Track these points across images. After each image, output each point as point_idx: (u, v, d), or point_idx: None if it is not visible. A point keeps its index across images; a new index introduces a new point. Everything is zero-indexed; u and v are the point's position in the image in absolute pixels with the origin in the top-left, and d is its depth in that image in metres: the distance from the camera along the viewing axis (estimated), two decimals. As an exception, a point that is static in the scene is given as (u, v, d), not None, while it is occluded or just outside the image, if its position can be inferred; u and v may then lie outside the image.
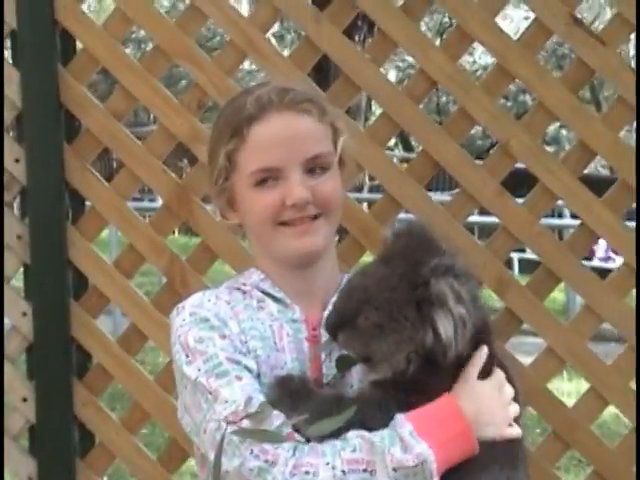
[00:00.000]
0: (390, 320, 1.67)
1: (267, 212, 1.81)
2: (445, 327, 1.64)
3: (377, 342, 1.69)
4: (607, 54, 2.35)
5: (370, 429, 1.66)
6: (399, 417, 1.65)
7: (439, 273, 1.65)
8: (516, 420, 1.77)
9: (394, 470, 1.61)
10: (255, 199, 1.83)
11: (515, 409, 1.77)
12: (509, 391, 1.77)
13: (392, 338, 1.68)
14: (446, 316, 1.64)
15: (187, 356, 1.78)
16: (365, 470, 1.61)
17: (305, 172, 1.80)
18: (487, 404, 1.70)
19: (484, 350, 1.73)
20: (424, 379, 1.68)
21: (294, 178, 1.79)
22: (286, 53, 2.57)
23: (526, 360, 2.46)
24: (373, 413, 1.68)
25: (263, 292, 1.89)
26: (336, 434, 1.65)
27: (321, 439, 1.66)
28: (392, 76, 21.85)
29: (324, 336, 1.83)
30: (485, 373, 1.74)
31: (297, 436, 1.67)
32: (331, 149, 1.85)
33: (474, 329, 1.67)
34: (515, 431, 1.74)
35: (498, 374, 1.76)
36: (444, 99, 22.16)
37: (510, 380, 1.80)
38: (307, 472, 1.61)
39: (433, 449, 1.61)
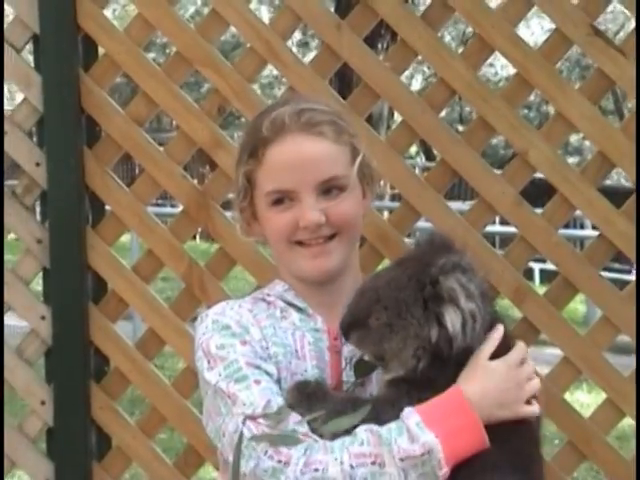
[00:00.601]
0: (399, 319, 1.71)
1: (282, 233, 1.86)
2: (453, 321, 1.67)
3: (387, 341, 1.72)
4: (627, 65, 2.34)
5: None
6: (407, 410, 1.68)
7: (447, 270, 1.68)
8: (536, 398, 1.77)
9: (401, 460, 1.63)
10: (271, 218, 1.88)
11: (534, 385, 1.77)
12: (528, 367, 1.77)
13: (400, 336, 1.72)
14: (455, 311, 1.67)
15: (208, 362, 1.81)
16: (374, 463, 1.64)
17: (320, 194, 1.83)
18: (497, 384, 1.71)
19: (499, 330, 1.75)
20: (435, 376, 1.72)
21: (307, 201, 1.82)
22: (310, 59, 2.57)
23: (544, 370, 2.45)
24: (386, 411, 1.71)
25: (286, 302, 1.93)
26: (351, 432, 1.67)
27: (336, 437, 1.68)
28: (417, 83, 21.82)
29: (345, 346, 1.87)
30: (502, 353, 1.75)
31: (312, 435, 1.70)
32: (348, 170, 1.87)
33: (485, 323, 1.70)
34: (532, 409, 1.74)
35: (517, 350, 1.77)
36: (467, 109, 22.13)
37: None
38: (316, 469, 1.64)
39: (440, 438, 1.63)
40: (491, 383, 1.71)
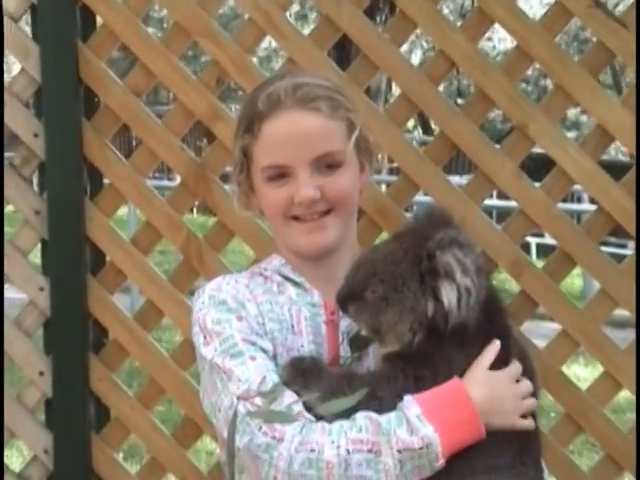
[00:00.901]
0: (395, 292, 1.72)
1: (277, 208, 1.87)
2: (449, 296, 1.67)
3: (383, 314, 1.73)
4: (628, 37, 2.33)
5: (379, 403, 1.69)
6: (407, 399, 1.68)
7: (444, 245, 1.69)
8: (532, 415, 1.79)
9: (399, 452, 1.63)
10: (267, 194, 1.88)
11: (531, 403, 1.78)
12: (526, 384, 1.79)
13: (396, 309, 1.72)
14: (451, 286, 1.67)
15: (205, 337, 1.81)
16: (370, 450, 1.64)
17: (316, 169, 1.83)
18: (497, 393, 1.72)
19: (496, 344, 1.75)
20: (430, 351, 1.72)
21: (302, 177, 1.82)
22: (309, 31, 2.56)
23: (541, 344, 2.46)
24: (382, 387, 1.72)
25: (283, 277, 1.93)
26: (347, 413, 1.68)
27: (332, 418, 1.68)
28: (416, 58, 21.77)
29: (342, 320, 1.87)
30: (502, 362, 1.76)
31: (307, 415, 1.70)
32: (344, 145, 1.86)
33: (480, 299, 1.70)
34: (527, 423, 1.76)
35: (515, 366, 1.79)
36: (465, 82, 22.08)
37: (530, 371, 1.83)
38: (312, 450, 1.65)
39: (439, 432, 1.64)
40: (493, 390, 1.72)
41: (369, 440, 1.65)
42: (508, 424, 1.73)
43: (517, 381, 1.78)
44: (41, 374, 2.72)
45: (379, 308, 1.74)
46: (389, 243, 1.84)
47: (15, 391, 2.79)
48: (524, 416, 1.76)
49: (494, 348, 1.75)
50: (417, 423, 1.64)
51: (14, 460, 4.63)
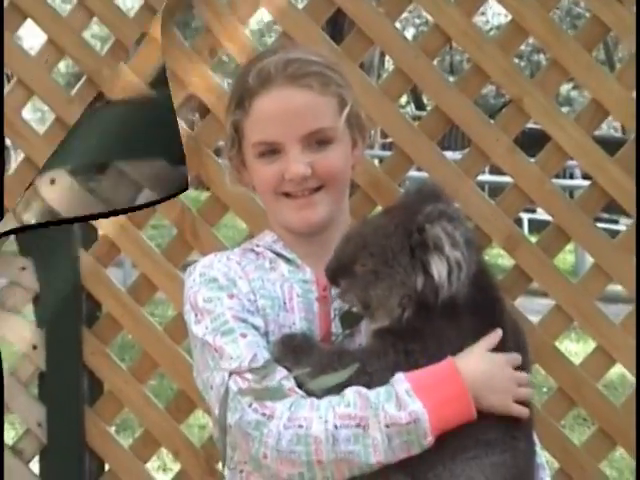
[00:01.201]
0: (385, 266, 1.72)
1: (268, 184, 1.87)
2: (439, 270, 1.67)
3: (373, 288, 1.72)
4: (622, 11, 2.32)
5: (370, 378, 1.70)
6: (398, 375, 1.68)
7: (433, 218, 1.68)
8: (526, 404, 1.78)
9: (387, 427, 1.64)
10: (258, 170, 1.88)
11: (527, 391, 1.78)
12: (523, 374, 1.78)
13: (386, 283, 1.72)
14: (440, 259, 1.67)
15: (196, 315, 1.82)
16: (358, 425, 1.64)
17: (306, 146, 1.83)
18: (489, 369, 1.72)
19: (498, 332, 1.75)
20: (421, 326, 1.72)
21: (292, 153, 1.82)
22: (300, 6, 2.55)
23: (534, 320, 2.46)
24: (372, 363, 1.72)
25: (275, 253, 1.93)
26: (338, 388, 1.68)
27: (323, 393, 1.68)
28: (409, 35, 21.76)
29: (335, 297, 1.86)
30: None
31: (298, 390, 1.70)
32: (335, 121, 1.85)
33: (470, 272, 1.69)
34: (522, 409, 1.75)
35: (515, 356, 1.78)
36: (457, 57, 22.04)
37: (522, 344, 1.84)
38: (300, 425, 1.65)
39: (427, 408, 1.64)
40: (485, 367, 1.71)
41: (357, 415, 1.65)
42: (501, 406, 1.72)
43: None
44: (34, 347, 2.72)
45: (368, 282, 1.74)
46: (379, 217, 1.84)
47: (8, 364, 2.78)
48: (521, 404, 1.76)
49: (495, 336, 1.75)
50: (406, 398, 1.64)
51: (7, 434, 4.63)
